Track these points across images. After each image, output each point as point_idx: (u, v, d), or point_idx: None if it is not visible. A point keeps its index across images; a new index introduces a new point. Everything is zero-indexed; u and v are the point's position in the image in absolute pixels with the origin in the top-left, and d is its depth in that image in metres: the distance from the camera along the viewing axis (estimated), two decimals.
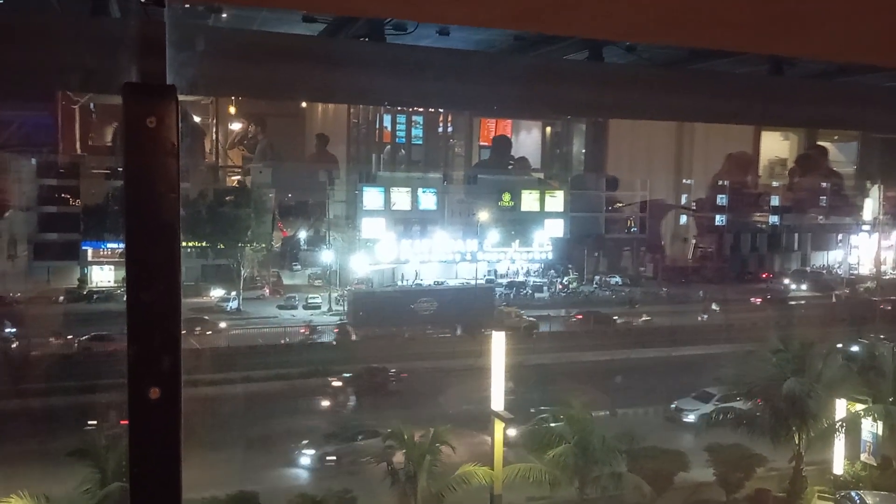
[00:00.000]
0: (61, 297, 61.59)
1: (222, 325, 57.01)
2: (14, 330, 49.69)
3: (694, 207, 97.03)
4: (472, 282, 74.63)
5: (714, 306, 66.27)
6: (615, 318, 62.81)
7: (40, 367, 41.90)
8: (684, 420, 36.54)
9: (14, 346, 48.02)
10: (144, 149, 1.77)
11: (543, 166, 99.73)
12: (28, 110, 68.87)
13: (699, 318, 63.23)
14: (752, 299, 70.93)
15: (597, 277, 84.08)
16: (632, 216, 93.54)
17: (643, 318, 62.79)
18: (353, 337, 55.16)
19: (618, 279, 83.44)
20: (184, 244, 67.95)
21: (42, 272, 65.18)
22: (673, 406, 38.55)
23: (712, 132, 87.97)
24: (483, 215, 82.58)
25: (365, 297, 64.41)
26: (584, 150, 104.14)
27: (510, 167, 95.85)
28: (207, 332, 53.23)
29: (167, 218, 1.78)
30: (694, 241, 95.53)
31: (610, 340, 52.88)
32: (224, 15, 12.21)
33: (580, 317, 63.04)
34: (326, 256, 76.29)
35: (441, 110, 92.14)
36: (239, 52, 8.89)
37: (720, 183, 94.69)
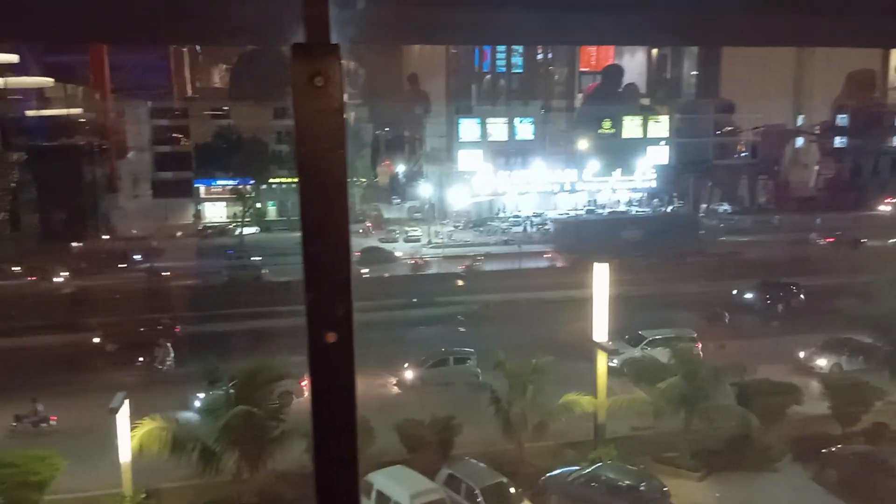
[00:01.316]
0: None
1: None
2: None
3: (816, 130, 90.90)
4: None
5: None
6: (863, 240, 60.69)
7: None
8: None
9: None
10: (313, 107, 1.83)
11: (648, 91, 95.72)
12: (141, 54, 71.91)
13: None
14: None
15: (703, 206, 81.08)
16: (744, 141, 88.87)
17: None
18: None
19: (727, 207, 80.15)
20: (288, 179, 71.13)
21: (160, 209, 69.08)
22: None
23: (836, 49, 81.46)
24: (583, 144, 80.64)
25: (572, 225, 66.40)
26: (694, 73, 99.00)
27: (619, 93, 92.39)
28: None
29: (336, 174, 1.84)
30: (815, 167, 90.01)
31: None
32: None
33: (832, 239, 61.97)
34: (424, 190, 76.96)
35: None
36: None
37: (842, 104, 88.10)
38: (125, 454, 20.94)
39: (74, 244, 56.64)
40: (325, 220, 1.85)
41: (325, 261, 1.86)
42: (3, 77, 59.99)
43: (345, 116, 1.84)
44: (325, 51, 1.85)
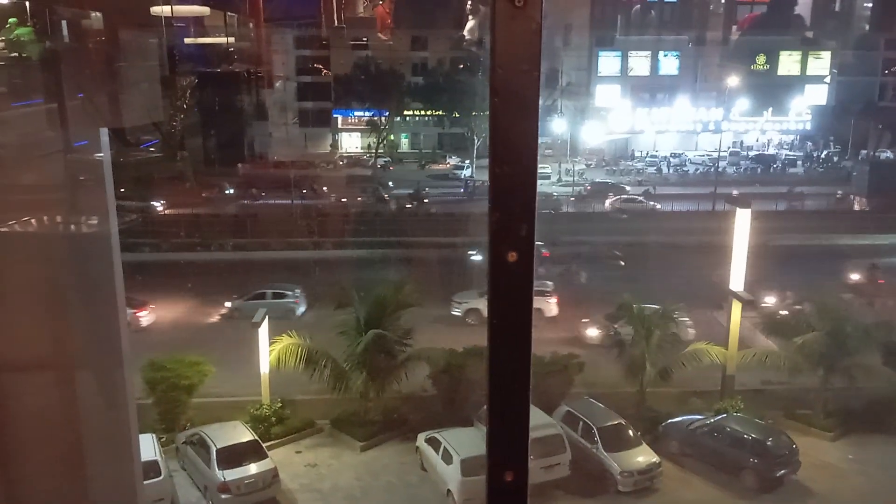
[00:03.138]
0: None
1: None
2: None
3: None
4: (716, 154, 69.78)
5: None
6: None
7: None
8: (451, 313, 31.54)
9: None
10: (512, 28, 1.84)
11: (813, 24, 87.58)
12: None
13: None
14: None
15: (863, 152, 74.44)
16: None
17: None
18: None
19: (889, 154, 73.25)
20: (422, 112, 71.48)
21: (300, 138, 71.96)
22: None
23: None
24: (733, 80, 75.61)
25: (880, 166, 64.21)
26: (868, 5, 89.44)
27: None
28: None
29: (529, 95, 1.86)
30: None
31: None
32: None
33: None
34: (557, 125, 75.27)
35: None
36: None
37: None
38: (264, 366, 22.56)
39: (238, 166, 60.54)
40: (514, 140, 1.87)
41: (511, 181, 1.88)
42: (166, 5, 63.42)
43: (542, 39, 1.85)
44: None
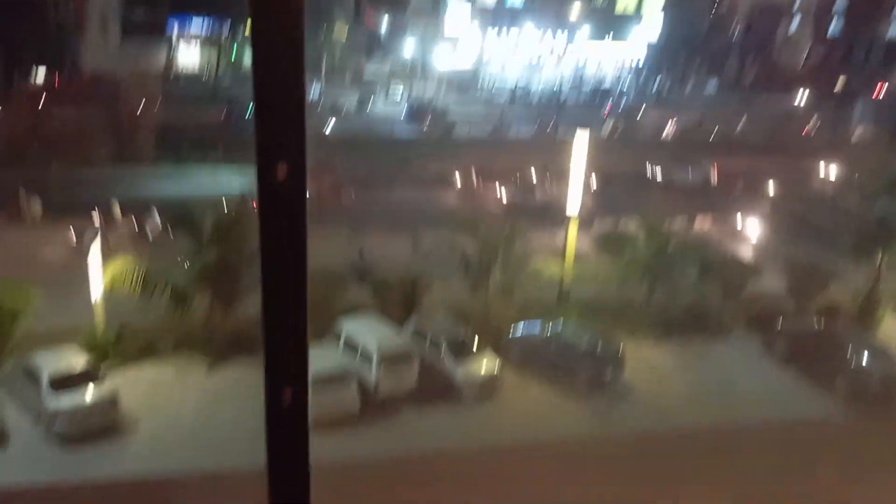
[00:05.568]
0: None
1: None
2: None
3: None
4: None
5: None
6: None
7: None
8: None
9: None
10: None
11: None
12: None
13: None
14: None
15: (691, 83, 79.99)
16: (739, 19, 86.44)
17: None
18: None
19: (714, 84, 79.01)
20: None
21: (130, 51, 65.95)
22: None
23: None
24: (574, 13, 78.02)
25: None
26: None
27: None
28: None
29: (293, 6, 1.64)
30: (807, 50, 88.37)
31: None
32: None
33: None
34: (407, 50, 74.52)
35: None
36: None
37: None
38: (97, 291, 21.25)
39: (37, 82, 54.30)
40: (279, 51, 1.64)
41: (278, 80, 1.64)
42: None
43: None
44: None
